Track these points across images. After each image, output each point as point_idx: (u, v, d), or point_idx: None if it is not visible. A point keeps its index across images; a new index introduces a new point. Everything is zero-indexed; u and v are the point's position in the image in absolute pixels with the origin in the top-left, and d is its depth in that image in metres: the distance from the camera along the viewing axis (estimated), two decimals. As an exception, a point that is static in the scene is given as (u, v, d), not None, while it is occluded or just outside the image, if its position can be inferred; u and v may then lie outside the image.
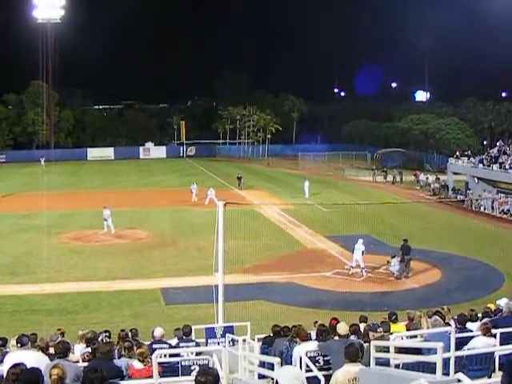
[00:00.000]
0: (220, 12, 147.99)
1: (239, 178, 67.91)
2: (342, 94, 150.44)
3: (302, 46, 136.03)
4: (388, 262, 33.86)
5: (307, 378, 10.10)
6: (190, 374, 12.78)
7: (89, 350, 13.81)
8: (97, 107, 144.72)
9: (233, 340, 17.20)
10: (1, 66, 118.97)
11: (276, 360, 9.94)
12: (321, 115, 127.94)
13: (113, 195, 62.15)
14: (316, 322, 17.70)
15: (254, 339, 16.77)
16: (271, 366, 10.73)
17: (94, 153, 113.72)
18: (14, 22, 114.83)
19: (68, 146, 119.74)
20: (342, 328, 11.85)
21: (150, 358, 12.58)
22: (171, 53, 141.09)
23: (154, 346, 14.52)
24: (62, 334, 17.19)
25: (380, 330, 13.50)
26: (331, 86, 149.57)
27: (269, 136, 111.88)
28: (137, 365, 12.60)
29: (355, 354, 9.77)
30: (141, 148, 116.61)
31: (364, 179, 78.80)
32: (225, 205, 18.61)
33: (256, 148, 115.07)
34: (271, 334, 15.55)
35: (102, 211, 44.15)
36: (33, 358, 10.50)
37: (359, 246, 33.61)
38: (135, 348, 13.08)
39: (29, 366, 7.95)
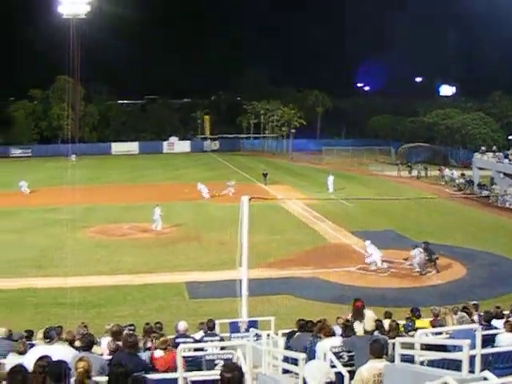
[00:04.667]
0: (245, 5, 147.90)
1: (265, 175, 67.67)
2: (366, 88, 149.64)
3: (326, 40, 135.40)
4: (409, 256, 33.51)
5: (330, 374, 10.07)
6: (213, 369, 12.80)
7: (114, 343, 13.89)
8: (121, 102, 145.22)
9: (257, 335, 17.18)
10: (27, 62, 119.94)
11: (301, 356, 9.90)
12: (345, 110, 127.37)
13: (137, 189, 62.47)
14: (338, 317, 17.62)
15: (277, 334, 16.76)
16: (295, 361, 10.71)
17: (118, 147, 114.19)
18: (39, 18, 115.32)
19: (92, 141, 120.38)
20: (368, 323, 11.81)
21: (172, 347, 12.69)
22: (195, 47, 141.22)
23: (178, 340, 14.52)
24: (85, 327, 17.30)
25: (412, 333, 13.43)
26: (355, 81, 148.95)
27: (293, 130, 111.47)
28: (157, 353, 12.70)
29: (380, 350, 9.75)
30: (165, 142, 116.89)
31: (388, 174, 78.34)
32: (249, 199, 18.59)
33: (280, 142, 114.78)
34: (295, 329, 15.53)
35: (154, 208, 44.04)
36: (59, 352, 10.56)
37: (369, 247, 33.74)
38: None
39: (55, 359, 7.99)
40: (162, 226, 43.50)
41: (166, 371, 12.12)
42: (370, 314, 12.11)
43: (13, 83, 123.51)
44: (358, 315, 12.61)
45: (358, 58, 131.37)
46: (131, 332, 16.21)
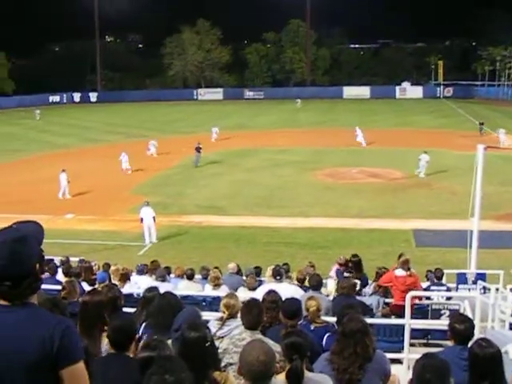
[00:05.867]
0: None
1: (481, 124, 64.46)
2: None
3: None
4: None
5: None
6: (439, 318, 12.69)
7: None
8: (353, 46, 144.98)
9: (484, 288, 16.78)
10: (261, 6, 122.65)
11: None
12: None
13: (367, 134, 62.30)
14: None
15: (506, 288, 16.29)
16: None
17: (349, 91, 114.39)
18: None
19: (324, 84, 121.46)
20: None
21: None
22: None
23: (405, 287, 14.52)
24: (313, 267, 17.67)
25: None
26: None
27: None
28: (398, 272, 12.85)
29: None
30: (397, 87, 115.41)
31: None
32: (485, 148, 18.00)
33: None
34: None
35: (421, 155, 43.52)
36: (288, 291, 10.89)
37: None
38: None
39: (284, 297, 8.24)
40: (424, 174, 42.81)
41: (404, 292, 12.16)
42: None
43: (247, 26, 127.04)
44: None
45: None
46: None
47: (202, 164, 47.82)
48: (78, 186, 39.31)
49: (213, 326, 7.24)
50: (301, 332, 6.15)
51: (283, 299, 7.94)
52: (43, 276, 13.95)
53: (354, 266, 13.23)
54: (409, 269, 13.46)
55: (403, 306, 11.44)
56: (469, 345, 6.16)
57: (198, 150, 47.82)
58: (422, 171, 42.56)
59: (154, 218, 29.18)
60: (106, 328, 6.03)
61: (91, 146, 59.28)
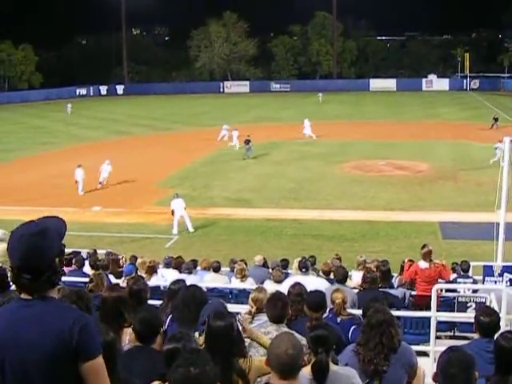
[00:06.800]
0: None
1: (495, 119, 63.01)
2: None
3: None
4: None
5: None
6: (465, 311, 12.64)
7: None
8: (379, 38, 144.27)
9: (511, 280, 16.67)
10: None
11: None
12: None
13: (394, 126, 62.07)
14: None
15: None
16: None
17: (376, 84, 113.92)
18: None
19: (350, 77, 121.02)
20: None
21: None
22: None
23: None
24: (339, 259, 17.64)
25: None
26: None
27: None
28: (422, 264, 12.83)
29: None
30: (423, 80, 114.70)
31: None
32: (511, 140, 17.84)
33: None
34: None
35: (496, 145, 42.41)
36: (314, 283, 10.89)
37: None
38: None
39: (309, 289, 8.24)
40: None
41: (428, 283, 12.12)
42: None
43: (273, 19, 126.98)
44: None
45: None
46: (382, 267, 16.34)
47: (228, 158, 47.86)
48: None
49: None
50: (326, 325, 6.17)
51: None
52: (70, 268, 14.12)
53: (381, 274, 13.07)
54: (431, 260, 13.42)
55: (426, 297, 11.41)
56: (495, 337, 6.15)
57: (247, 142, 47.37)
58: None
59: (184, 208, 29.35)
60: (125, 324, 6.06)
61: (118, 139, 59.51)
